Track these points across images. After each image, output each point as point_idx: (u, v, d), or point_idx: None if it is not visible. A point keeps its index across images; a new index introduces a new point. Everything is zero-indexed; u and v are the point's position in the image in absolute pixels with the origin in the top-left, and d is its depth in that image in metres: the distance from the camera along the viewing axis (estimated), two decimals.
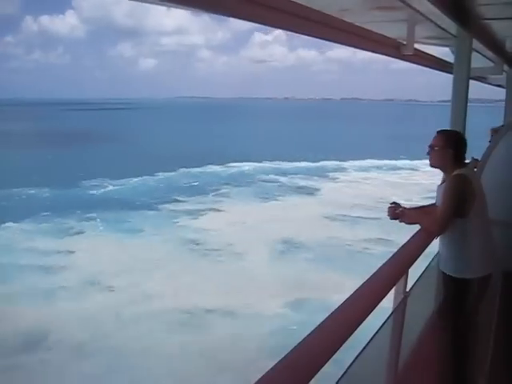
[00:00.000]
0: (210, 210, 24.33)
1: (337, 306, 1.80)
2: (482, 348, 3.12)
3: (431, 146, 2.96)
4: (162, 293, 13.87)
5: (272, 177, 34.14)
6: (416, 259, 2.66)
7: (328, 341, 1.60)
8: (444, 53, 5.88)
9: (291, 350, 1.44)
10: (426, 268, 3.50)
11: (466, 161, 3.03)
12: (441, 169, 2.99)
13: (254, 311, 12.87)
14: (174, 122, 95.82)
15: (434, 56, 5.70)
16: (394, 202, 3.05)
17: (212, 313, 12.85)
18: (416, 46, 4.49)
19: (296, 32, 2.81)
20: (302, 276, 15.14)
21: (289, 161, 40.05)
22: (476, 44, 4.63)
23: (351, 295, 1.91)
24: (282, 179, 33.20)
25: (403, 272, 2.51)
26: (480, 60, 6.31)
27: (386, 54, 4.51)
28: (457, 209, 2.80)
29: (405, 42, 4.33)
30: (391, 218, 3.01)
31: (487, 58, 6.55)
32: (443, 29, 4.37)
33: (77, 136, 61.34)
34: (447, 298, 3.12)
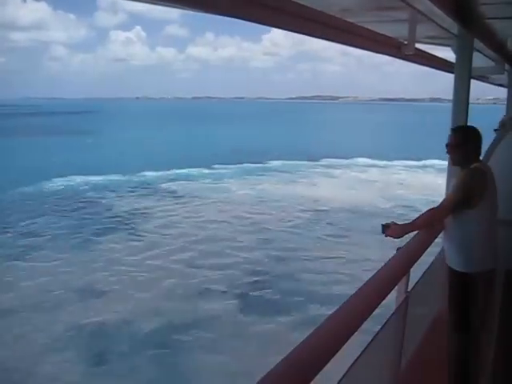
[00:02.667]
0: None
1: (338, 307, 1.79)
2: (484, 347, 3.11)
3: (450, 145, 2.96)
4: None
5: (99, 196, 24.60)
6: (418, 259, 2.66)
7: (329, 340, 1.60)
8: (445, 52, 5.88)
9: (292, 350, 1.44)
10: (428, 268, 3.50)
11: None
12: (461, 166, 2.97)
13: None
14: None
15: (436, 56, 5.70)
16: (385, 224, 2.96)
17: None
18: (417, 45, 4.49)
19: (296, 32, 2.81)
20: None
21: (127, 173, 30.80)
22: (477, 43, 4.62)
23: (353, 295, 1.91)
24: (113, 199, 23.67)
25: (405, 272, 2.51)
26: (481, 59, 6.31)
27: (388, 54, 4.51)
28: (465, 201, 2.82)
29: (406, 42, 4.33)
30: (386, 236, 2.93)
31: (488, 58, 6.54)
32: (444, 28, 4.36)
33: None
34: (452, 293, 3.11)
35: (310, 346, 1.51)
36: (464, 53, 4.16)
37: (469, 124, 4.29)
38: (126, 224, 19.23)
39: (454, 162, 3.03)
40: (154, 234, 17.70)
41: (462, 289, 2.97)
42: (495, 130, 6.19)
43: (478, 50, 5.33)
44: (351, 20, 3.55)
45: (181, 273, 13.48)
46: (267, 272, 13.55)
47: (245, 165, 35.75)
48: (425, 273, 3.36)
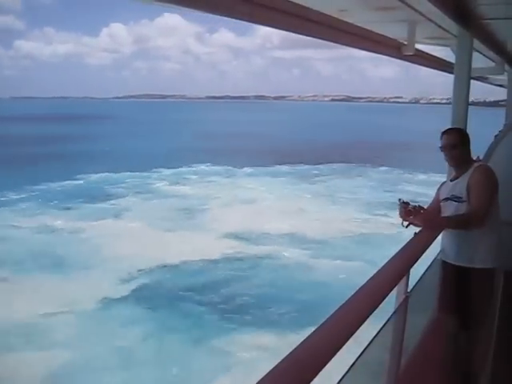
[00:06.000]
0: None
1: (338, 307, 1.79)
2: (483, 347, 3.12)
3: (447, 146, 3.00)
4: None
5: None
6: (418, 259, 2.66)
7: (329, 341, 1.60)
8: (445, 53, 5.89)
9: (292, 351, 1.44)
10: (428, 268, 3.50)
11: None
12: (459, 167, 3.01)
13: None
14: None
15: (435, 56, 5.70)
16: (404, 202, 2.86)
17: None
18: (417, 46, 4.50)
19: (296, 32, 2.81)
20: None
21: None
22: (477, 44, 4.63)
23: (352, 295, 1.91)
24: None
25: (405, 272, 2.50)
26: (481, 60, 6.31)
27: (387, 55, 4.52)
28: (493, 198, 2.89)
29: (406, 43, 4.34)
30: (404, 219, 2.84)
31: (488, 58, 6.55)
32: (444, 29, 4.36)
33: None
34: (450, 290, 3.11)
35: (310, 346, 1.51)
36: (463, 53, 4.16)
37: (468, 123, 4.32)
38: None
39: (453, 161, 3.04)
40: None
41: (462, 285, 2.96)
42: (496, 136, 6.18)
43: (477, 51, 5.34)
44: (350, 20, 3.55)
45: None
46: None
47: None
48: (425, 273, 3.36)
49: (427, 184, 27.38)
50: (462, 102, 4.20)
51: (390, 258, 2.46)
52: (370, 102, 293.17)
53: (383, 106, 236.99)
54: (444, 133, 3.07)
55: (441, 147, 3.02)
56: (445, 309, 3.23)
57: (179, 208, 22.66)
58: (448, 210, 3.01)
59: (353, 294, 1.92)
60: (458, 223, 2.91)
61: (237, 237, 18.32)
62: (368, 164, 36.71)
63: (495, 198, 2.93)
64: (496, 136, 5.85)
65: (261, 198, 25.10)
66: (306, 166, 35.71)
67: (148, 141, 53.41)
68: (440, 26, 4.26)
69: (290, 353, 1.43)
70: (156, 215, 21.07)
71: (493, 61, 6.71)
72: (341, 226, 19.82)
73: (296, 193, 26.87)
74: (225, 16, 2.01)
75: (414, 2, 3.35)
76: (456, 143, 2.99)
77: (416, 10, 3.58)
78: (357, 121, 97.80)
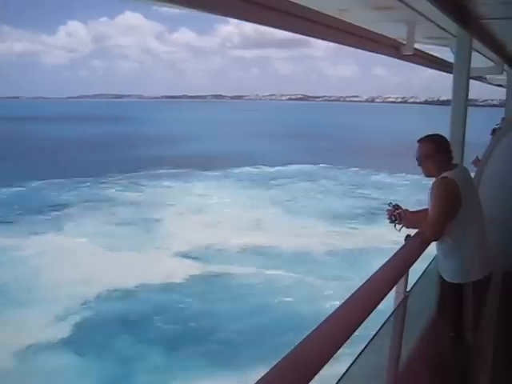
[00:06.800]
0: None
1: (337, 307, 1.79)
2: (482, 347, 3.12)
3: (422, 156, 2.82)
4: None
5: None
6: (416, 259, 2.66)
7: (328, 341, 1.60)
8: (444, 53, 5.89)
9: (291, 350, 1.44)
10: (426, 268, 3.50)
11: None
12: (435, 176, 2.82)
13: None
14: None
15: (434, 56, 5.70)
16: (396, 204, 2.89)
17: None
18: (416, 45, 4.50)
19: (296, 32, 2.81)
20: None
21: None
22: (476, 44, 4.64)
23: (351, 295, 1.91)
24: None
25: (404, 272, 2.50)
26: (480, 60, 6.32)
27: (386, 54, 4.52)
28: (449, 212, 2.73)
29: (405, 42, 4.35)
30: (390, 222, 2.87)
31: (487, 58, 6.56)
32: (443, 29, 4.37)
33: None
34: (445, 302, 3.10)
35: (309, 346, 1.51)
36: (463, 53, 4.17)
37: (468, 124, 4.31)
38: None
39: (426, 173, 2.87)
40: None
41: (457, 301, 2.91)
42: (493, 130, 6.19)
43: (476, 51, 5.34)
44: (350, 20, 3.55)
45: None
46: None
47: None
48: (423, 273, 3.36)
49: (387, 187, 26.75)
50: (461, 101, 4.20)
51: (389, 257, 2.46)
52: (327, 100, 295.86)
53: (340, 104, 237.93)
54: (418, 142, 2.85)
55: (416, 158, 2.84)
56: (440, 317, 3.23)
57: (132, 218, 19.49)
58: None
59: (352, 293, 1.92)
60: (415, 227, 2.87)
61: (198, 256, 15.68)
62: (335, 165, 34.92)
63: (455, 211, 2.72)
64: (493, 130, 5.87)
65: (224, 206, 22.37)
66: (272, 169, 33.84)
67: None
68: (439, 26, 4.27)
69: (288, 354, 1.43)
70: (106, 228, 17.49)
71: (492, 61, 6.72)
72: (321, 240, 17.55)
73: (263, 199, 24.29)
74: (222, 15, 2.01)
75: (413, 1, 3.35)
76: (429, 154, 2.79)
77: (415, 10, 3.58)
78: (316, 120, 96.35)
